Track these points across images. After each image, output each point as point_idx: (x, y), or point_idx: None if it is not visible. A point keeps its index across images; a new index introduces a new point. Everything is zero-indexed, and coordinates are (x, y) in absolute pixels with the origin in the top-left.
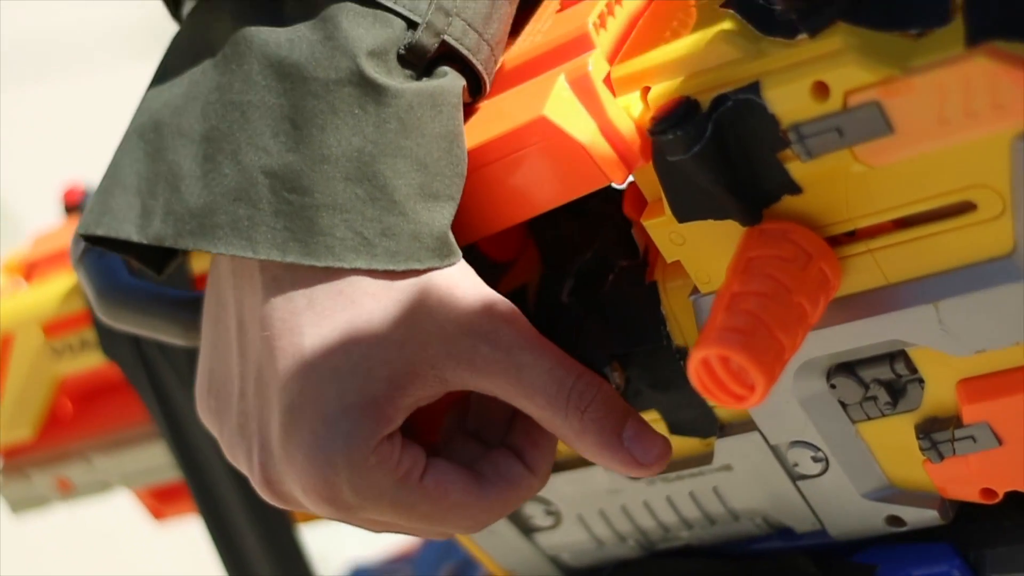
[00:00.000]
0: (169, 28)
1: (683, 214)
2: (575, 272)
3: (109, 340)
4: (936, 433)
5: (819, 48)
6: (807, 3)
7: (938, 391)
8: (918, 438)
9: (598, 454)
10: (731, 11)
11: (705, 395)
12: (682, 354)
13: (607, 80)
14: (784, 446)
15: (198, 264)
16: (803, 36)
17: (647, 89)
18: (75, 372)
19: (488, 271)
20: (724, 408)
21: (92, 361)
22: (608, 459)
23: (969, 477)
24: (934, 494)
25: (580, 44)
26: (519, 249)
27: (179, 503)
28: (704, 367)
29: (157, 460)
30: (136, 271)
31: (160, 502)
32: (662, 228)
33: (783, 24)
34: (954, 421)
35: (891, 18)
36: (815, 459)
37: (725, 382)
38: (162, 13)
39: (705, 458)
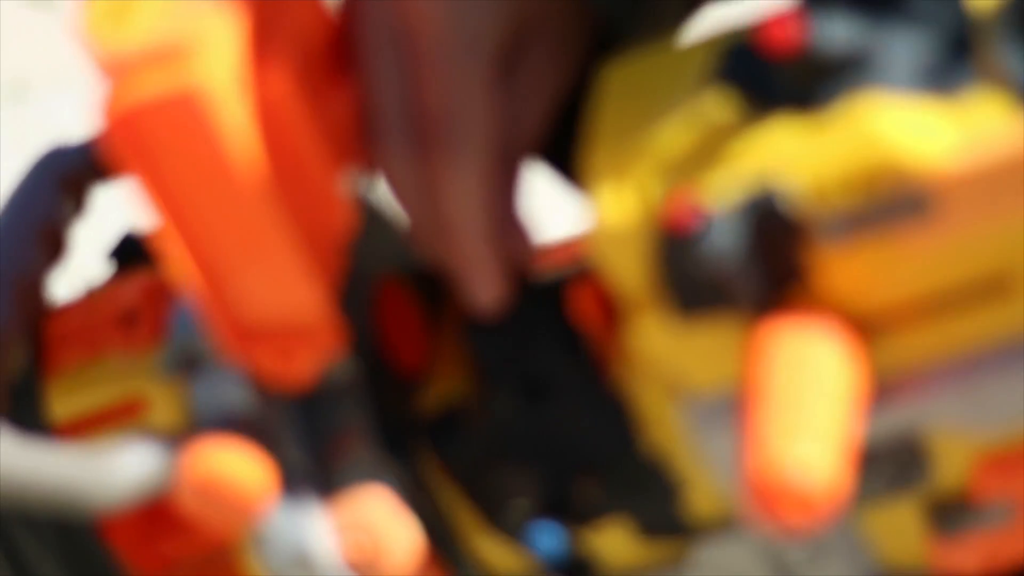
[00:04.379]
0: None
1: (683, 314)
2: (522, 380)
3: None
4: (944, 512)
5: (841, 126)
6: (820, 77)
7: (947, 469)
8: (924, 518)
9: None
10: (726, 81)
11: (768, 518)
12: (656, 458)
13: None
14: (772, 541)
15: (61, 408)
16: (818, 107)
17: (633, 183)
18: None
19: (407, 385)
20: (701, 506)
21: None
22: None
23: (972, 554)
24: (927, 572)
25: None
26: (429, 359)
27: None
28: (765, 489)
29: None
30: None
31: None
32: (648, 331)
33: (793, 101)
34: (963, 498)
35: (916, 84)
36: (806, 548)
37: (788, 499)
38: None
39: (679, 561)
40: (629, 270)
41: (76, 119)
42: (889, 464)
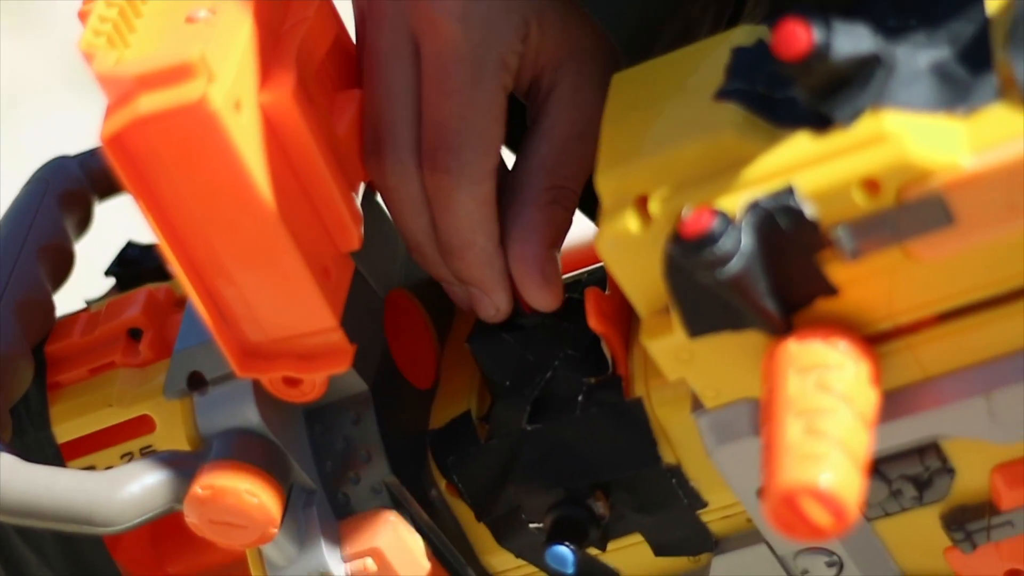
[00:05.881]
0: None
1: (698, 329)
2: (535, 395)
3: None
4: (969, 523)
5: (857, 137)
6: (834, 88)
7: (969, 479)
8: (949, 529)
9: None
10: (731, 102)
11: (788, 534)
12: (673, 473)
13: None
14: (791, 555)
15: (66, 428)
16: (833, 115)
17: (643, 199)
18: None
19: (415, 401)
20: (719, 519)
21: None
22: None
23: (996, 562)
24: None
25: None
26: (436, 374)
27: None
28: (787, 504)
29: None
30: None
31: None
32: (667, 345)
33: (805, 113)
34: (987, 508)
35: (933, 98)
36: (829, 564)
37: (808, 515)
38: None
39: (697, 574)
40: (643, 282)
41: (57, 143)
42: (911, 476)
